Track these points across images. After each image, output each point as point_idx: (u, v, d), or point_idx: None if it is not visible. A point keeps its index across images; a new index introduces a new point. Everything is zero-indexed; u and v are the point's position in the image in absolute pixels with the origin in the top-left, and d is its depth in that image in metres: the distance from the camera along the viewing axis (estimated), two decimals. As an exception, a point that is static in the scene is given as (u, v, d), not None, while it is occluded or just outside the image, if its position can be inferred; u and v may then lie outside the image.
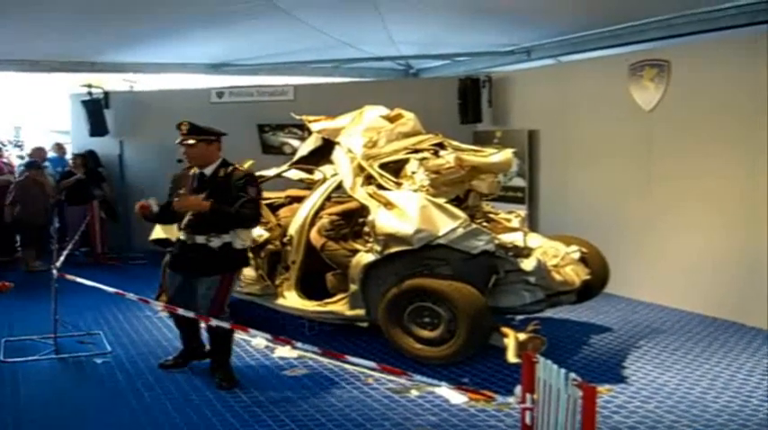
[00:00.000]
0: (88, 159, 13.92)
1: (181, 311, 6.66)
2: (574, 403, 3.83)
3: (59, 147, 15.68)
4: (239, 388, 6.74)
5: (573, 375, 3.87)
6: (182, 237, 6.85)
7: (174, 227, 7.24)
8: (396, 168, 8.26)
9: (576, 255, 8.11)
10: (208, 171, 6.79)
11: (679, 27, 9.88)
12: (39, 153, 14.52)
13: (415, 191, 7.73)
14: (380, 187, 7.89)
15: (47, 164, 14.51)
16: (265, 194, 9.01)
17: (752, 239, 8.70)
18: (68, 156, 15.26)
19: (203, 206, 6.52)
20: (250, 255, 7.68)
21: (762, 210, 8.55)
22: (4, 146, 19.11)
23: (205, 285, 6.70)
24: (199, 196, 6.56)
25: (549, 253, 7.90)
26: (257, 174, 8.95)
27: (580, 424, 3.78)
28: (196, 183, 6.80)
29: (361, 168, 8.08)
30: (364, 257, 7.58)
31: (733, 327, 8.67)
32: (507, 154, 8.42)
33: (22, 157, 17.84)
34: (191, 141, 6.72)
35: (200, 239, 6.67)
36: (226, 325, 6.49)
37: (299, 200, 8.98)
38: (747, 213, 8.74)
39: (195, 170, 6.87)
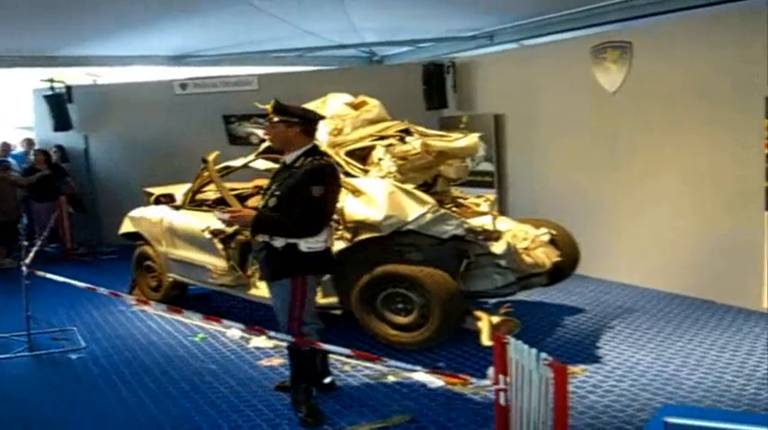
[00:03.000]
0: (49, 155, 13.86)
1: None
2: (546, 382, 3.90)
3: (29, 143, 15.56)
4: (220, 383, 6.77)
5: (544, 355, 3.94)
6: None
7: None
8: (362, 155, 8.27)
9: (546, 238, 8.17)
10: (289, 159, 5.88)
11: (640, 9, 9.98)
12: (3, 148, 14.49)
13: (383, 177, 7.75)
14: (348, 174, 7.89)
15: (11, 159, 14.41)
16: (233, 185, 9.05)
17: (719, 218, 8.83)
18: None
19: (245, 221, 5.93)
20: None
21: (728, 188, 8.71)
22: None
23: (273, 293, 5.97)
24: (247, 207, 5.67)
25: (518, 236, 7.96)
26: (223, 165, 8.98)
27: (553, 403, 3.85)
28: (276, 174, 6.08)
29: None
30: (334, 245, 7.60)
31: (704, 306, 8.79)
32: (473, 138, 8.47)
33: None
34: (275, 119, 5.81)
35: (261, 237, 5.86)
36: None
37: (268, 190, 8.98)
38: (714, 192, 8.88)
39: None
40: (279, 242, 5.70)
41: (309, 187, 5.63)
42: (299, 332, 5.73)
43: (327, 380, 6.43)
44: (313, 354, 5.94)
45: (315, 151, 5.88)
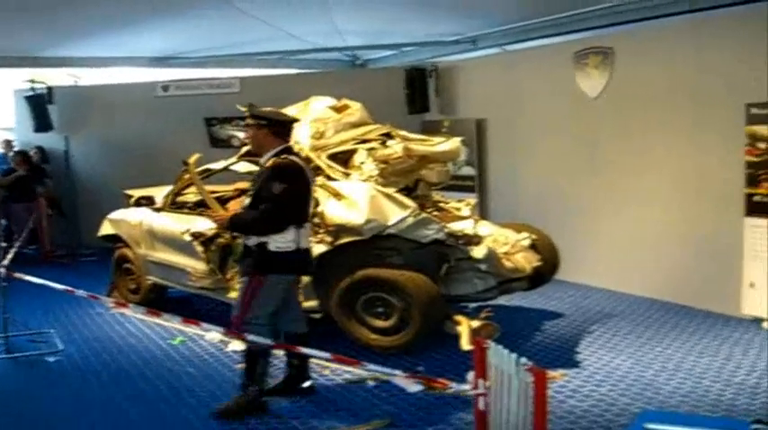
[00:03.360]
0: (28, 156, 13.77)
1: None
2: (525, 387, 3.89)
3: (7, 144, 15.45)
4: (198, 386, 6.74)
5: (523, 360, 3.93)
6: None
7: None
8: (344, 159, 8.27)
9: (527, 242, 8.18)
10: (263, 160, 6.04)
11: (622, 15, 10.01)
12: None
13: (364, 181, 7.76)
14: (329, 178, 7.89)
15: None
16: (215, 187, 9.01)
17: (699, 224, 8.86)
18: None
19: (222, 223, 6.46)
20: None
21: (708, 194, 8.75)
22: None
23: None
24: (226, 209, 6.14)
25: (499, 240, 7.96)
26: (204, 167, 8.94)
27: (532, 407, 3.84)
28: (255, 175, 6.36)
29: (308, 160, 8.07)
30: (315, 248, 7.57)
31: (683, 311, 8.82)
32: (455, 143, 8.49)
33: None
34: (250, 122, 6.02)
35: (241, 238, 6.33)
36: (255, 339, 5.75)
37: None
38: (694, 198, 8.91)
39: None
40: (252, 241, 5.88)
41: (271, 184, 5.75)
42: (238, 328, 5.87)
43: (307, 384, 6.41)
44: (257, 355, 6.01)
45: (285, 152, 5.98)
